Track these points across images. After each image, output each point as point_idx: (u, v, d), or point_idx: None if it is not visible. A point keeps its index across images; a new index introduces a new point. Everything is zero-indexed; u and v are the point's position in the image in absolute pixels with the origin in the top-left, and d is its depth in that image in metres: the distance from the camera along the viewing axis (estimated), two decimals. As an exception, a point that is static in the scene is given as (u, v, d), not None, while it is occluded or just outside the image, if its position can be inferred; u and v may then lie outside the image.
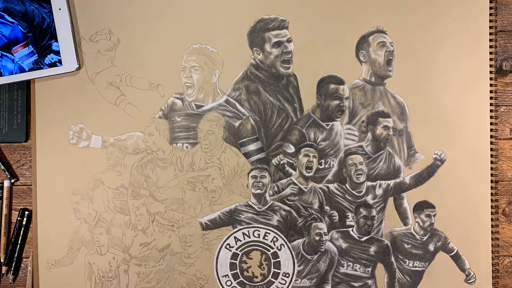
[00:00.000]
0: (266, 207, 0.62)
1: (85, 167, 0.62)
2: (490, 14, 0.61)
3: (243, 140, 0.62)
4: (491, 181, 0.62)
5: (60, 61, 0.61)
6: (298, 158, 0.62)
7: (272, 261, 0.62)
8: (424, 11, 0.62)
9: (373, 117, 0.62)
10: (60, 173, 0.62)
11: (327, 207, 0.62)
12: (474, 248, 0.62)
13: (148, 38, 0.62)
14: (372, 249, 0.62)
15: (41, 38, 0.60)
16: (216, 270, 0.62)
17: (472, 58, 0.61)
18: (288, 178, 0.62)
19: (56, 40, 0.61)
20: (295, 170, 0.62)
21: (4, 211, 0.62)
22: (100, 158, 0.62)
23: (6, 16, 0.60)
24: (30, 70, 0.60)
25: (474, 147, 0.61)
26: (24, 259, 0.63)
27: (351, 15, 0.62)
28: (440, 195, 0.62)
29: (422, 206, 0.62)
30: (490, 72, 0.61)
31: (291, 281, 0.62)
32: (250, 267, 0.62)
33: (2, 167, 0.63)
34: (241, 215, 0.62)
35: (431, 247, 0.62)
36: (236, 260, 0.62)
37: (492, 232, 0.62)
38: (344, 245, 0.62)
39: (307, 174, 0.62)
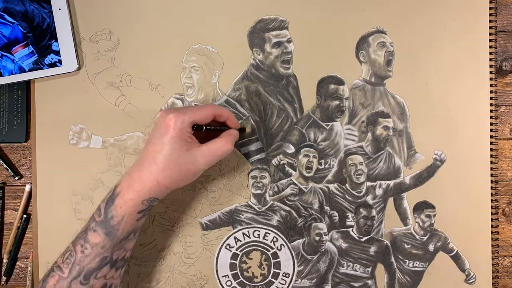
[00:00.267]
0: (266, 207, 0.62)
1: (85, 167, 0.62)
2: (490, 14, 0.61)
3: (243, 140, 0.62)
4: (491, 181, 0.62)
5: (60, 61, 0.61)
6: (298, 158, 0.62)
7: (272, 261, 0.62)
8: (424, 11, 0.62)
9: (373, 117, 0.62)
10: (60, 173, 0.62)
11: (327, 207, 0.62)
12: (474, 248, 0.62)
13: (148, 38, 0.62)
14: (372, 249, 0.62)
15: (41, 38, 0.60)
16: (216, 270, 0.62)
17: (472, 58, 0.61)
18: (288, 178, 0.62)
19: (56, 40, 0.61)
20: (295, 170, 0.62)
21: (19, 214, 0.63)
22: (100, 159, 0.62)
23: (6, 16, 0.60)
24: (30, 70, 0.61)
25: (474, 147, 0.61)
26: (24, 259, 0.63)
27: (351, 15, 0.62)
28: (440, 195, 0.62)
29: (422, 206, 0.62)
30: (490, 72, 0.61)
31: (291, 281, 0.62)
32: (250, 267, 0.62)
33: (5, 166, 0.63)
34: (241, 215, 0.62)
35: (431, 247, 0.62)
36: (236, 260, 0.62)
37: (492, 232, 0.62)
38: (344, 245, 0.62)
39: (307, 174, 0.62)
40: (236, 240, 0.62)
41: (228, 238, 0.62)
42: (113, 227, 0.50)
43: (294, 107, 0.62)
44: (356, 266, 0.62)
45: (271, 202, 0.62)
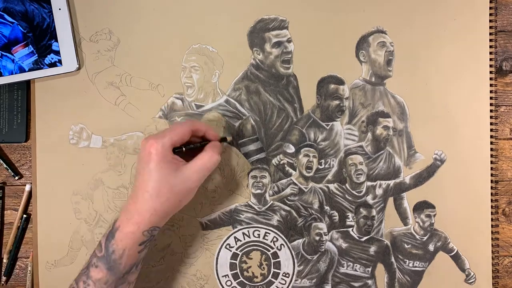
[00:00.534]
0: (266, 207, 0.62)
1: (85, 167, 0.62)
2: (490, 14, 0.61)
3: (243, 140, 0.62)
4: (491, 181, 0.62)
5: (60, 61, 0.61)
6: (298, 158, 0.62)
7: (272, 261, 0.62)
8: (424, 11, 0.62)
9: (373, 117, 0.62)
10: (60, 173, 0.62)
11: (327, 207, 0.62)
12: (474, 248, 0.62)
13: (148, 38, 0.62)
14: (372, 249, 0.62)
15: (41, 38, 0.60)
16: (216, 270, 0.62)
17: (472, 58, 0.61)
18: (288, 178, 0.62)
19: (56, 40, 0.61)
20: (295, 170, 0.62)
21: (19, 214, 0.63)
22: (100, 158, 0.62)
23: (6, 16, 0.60)
24: (30, 70, 0.61)
25: (474, 147, 0.61)
26: (24, 259, 0.63)
27: (351, 15, 0.62)
28: (440, 195, 0.62)
29: (422, 206, 0.62)
30: (490, 72, 0.61)
31: (291, 281, 0.62)
32: (250, 267, 0.62)
33: (5, 165, 0.63)
34: (241, 215, 0.62)
35: (431, 247, 0.62)
36: (236, 260, 0.62)
37: (492, 232, 0.62)
38: (344, 245, 0.62)
39: (307, 174, 0.62)
40: (236, 240, 0.62)
41: (228, 238, 0.62)
42: (115, 262, 0.50)
43: (294, 107, 0.62)
44: (356, 266, 0.62)
45: (271, 202, 0.62)
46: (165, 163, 0.50)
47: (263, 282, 0.62)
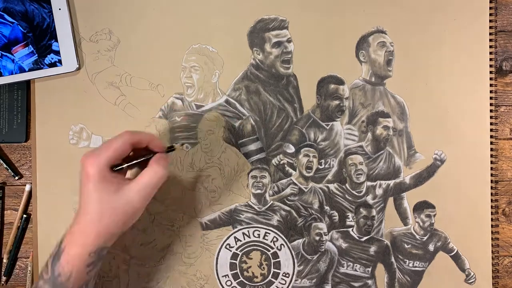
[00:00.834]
0: (266, 207, 0.62)
1: (85, 167, 0.62)
2: (490, 14, 0.61)
3: (243, 140, 0.62)
4: (491, 181, 0.62)
5: (60, 61, 0.61)
6: (298, 158, 0.62)
7: (272, 261, 0.62)
8: (424, 11, 0.62)
9: (373, 117, 0.62)
10: (60, 173, 0.62)
11: (327, 207, 0.62)
12: (474, 248, 0.62)
13: (148, 38, 0.62)
14: (372, 249, 0.62)
15: (41, 38, 0.60)
16: (216, 270, 0.62)
17: (472, 58, 0.61)
18: (288, 178, 0.62)
19: (56, 40, 0.61)
20: (295, 170, 0.62)
21: (19, 214, 0.63)
22: (100, 158, 0.62)
23: (6, 16, 0.60)
24: (30, 70, 0.61)
25: (474, 147, 0.61)
26: (24, 259, 0.63)
27: (351, 15, 0.62)
28: (440, 195, 0.62)
29: (422, 206, 0.62)
30: (490, 72, 0.61)
31: (291, 281, 0.62)
32: (250, 267, 0.62)
33: (5, 166, 0.63)
34: (241, 215, 0.62)
35: (431, 247, 0.62)
36: (236, 260, 0.62)
37: (492, 232, 0.62)
38: (344, 245, 0.62)
39: (307, 174, 0.62)
40: (236, 240, 0.62)
41: (228, 238, 0.62)
42: (62, 284, 0.47)
43: (294, 107, 0.62)
44: (356, 266, 0.62)
45: (271, 202, 0.62)
46: (104, 183, 0.47)
47: (263, 282, 0.62)
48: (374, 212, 0.62)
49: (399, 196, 0.62)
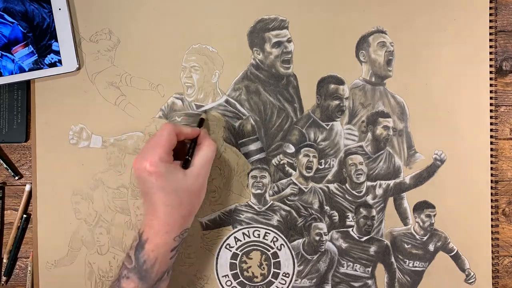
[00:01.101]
0: (266, 207, 0.62)
1: (85, 167, 0.62)
2: (490, 14, 0.61)
3: (243, 140, 0.62)
4: (491, 181, 0.62)
5: (60, 61, 0.61)
6: (298, 158, 0.62)
7: (272, 261, 0.62)
8: (424, 11, 0.62)
9: (373, 117, 0.62)
10: (60, 173, 0.62)
11: (327, 207, 0.62)
12: (474, 248, 0.62)
13: (148, 38, 0.62)
14: (372, 249, 0.62)
15: (41, 38, 0.60)
16: (216, 270, 0.62)
17: (472, 58, 0.61)
18: (288, 178, 0.62)
19: (56, 40, 0.61)
20: (295, 170, 0.62)
21: (19, 214, 0.63)
22: (100, 158, 0.62)
23: (6, 16, 0.60)
24: (30, 70, 0.61)
25: (474, 147, 0.61)
26: (24, 259, 0.63)
27: (351, 15, 0.62)
28: (440, 195, 0.62)
29: (422, 206, 0.62)
30: (490, 72, 0.61)
31: (291, 281, 0.62)
32: (250, 267, 0.62)
33: (5, 166, 0.63)
34: (241, 215, 0.62)
35: (431, 247, 0.62)
36: (236, 260, 0.62)
37: (492, 232, 0.62)
38: (344, 245, 0.62)
39: (307, 174, 0.62)
40: (236, 240, 0.62)
41: (228, 238, 0.62)
42: (147, 271, 0.50)
43: (294, 107, 0.62)
44: (356, 266, 0.62)
45: (271, 202, 0.62)
46: (173, 174, 0.51)
47: (263, 282, 0.62)
48: (374, 212, 0.62)
49: (399, 196, 0.62)
